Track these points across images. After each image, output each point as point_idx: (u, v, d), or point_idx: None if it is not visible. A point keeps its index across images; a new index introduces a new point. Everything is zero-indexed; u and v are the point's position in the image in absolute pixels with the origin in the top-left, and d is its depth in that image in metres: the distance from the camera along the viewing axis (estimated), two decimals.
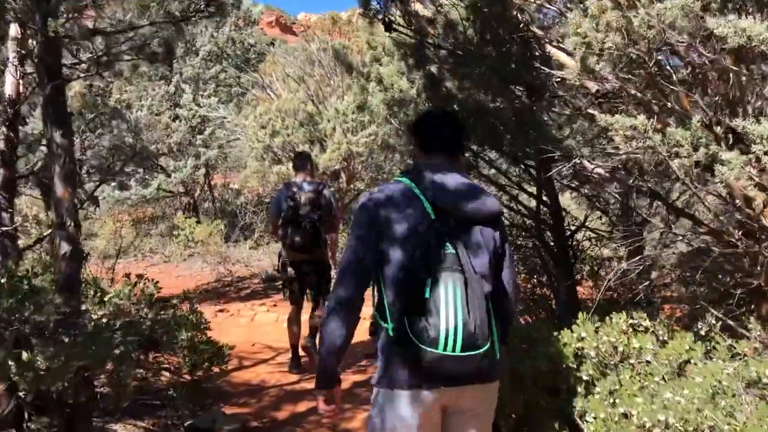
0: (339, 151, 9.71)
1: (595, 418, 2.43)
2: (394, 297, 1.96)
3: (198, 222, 13.50)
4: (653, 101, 2.55)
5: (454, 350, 1.82)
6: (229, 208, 15.38)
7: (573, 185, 5.70)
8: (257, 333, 7.12)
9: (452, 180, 2.06)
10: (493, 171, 5.13)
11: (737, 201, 2.64)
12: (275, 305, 9.45)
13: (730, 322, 2.91)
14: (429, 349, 1.83)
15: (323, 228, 5.12)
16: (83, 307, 3.69)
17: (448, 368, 1.86)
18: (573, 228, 5.10)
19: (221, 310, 8.62)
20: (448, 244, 1.93)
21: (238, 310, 8.63)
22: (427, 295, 1.86)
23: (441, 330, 1.82)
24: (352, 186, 10.90)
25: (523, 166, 4.86)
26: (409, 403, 1.92)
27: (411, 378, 1.91)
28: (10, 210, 4.25)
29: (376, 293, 2.05)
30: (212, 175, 15.86)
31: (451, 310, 1.84)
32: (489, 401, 2.07)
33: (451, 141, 2.18)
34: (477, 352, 1.86)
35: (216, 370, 4.64)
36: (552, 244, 4.94)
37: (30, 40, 3.95)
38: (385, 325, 1.96)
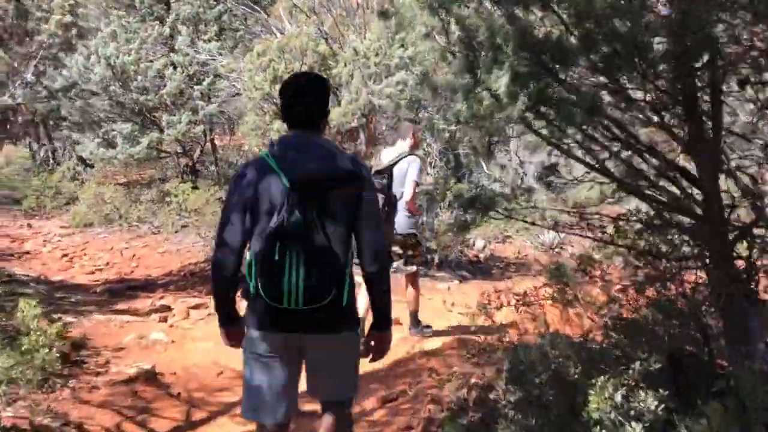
0: (357, 104, 7.60)
1: None
2: (254, 259, 2.23)
3: (194, 187, 11.54)
4: None
5: (295, 305, 2.15)
6: (232, 171, 13.38)
7: None
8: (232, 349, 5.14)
9: (305, 149, 2.27)
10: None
11: None
12: None
13: None
14: (273, 304, 2.17)
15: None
16: None
17: (289, 319, 2.22)
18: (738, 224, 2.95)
19: (197, 306, 6.65)
20: (296, 211, 2.15)
21: None
22: (276, 257, 2.13)
23: (284, 288, 2.14)
24: (372, 150, 8.80)
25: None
26: (262, 341, 2.32)
27: (262, 323, 2.29)
28: None
29: (246, 253, 2.34)
30: (214, 133, 13.84)
31: (293, 271, 2.13)
32: (337, 350, 2.37)
33: (310, 111, 2.31)
34: (315, 306, 2.17)
35: None
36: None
37: None
38: (250, 282, 2.22)
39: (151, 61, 11.76)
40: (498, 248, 11.37)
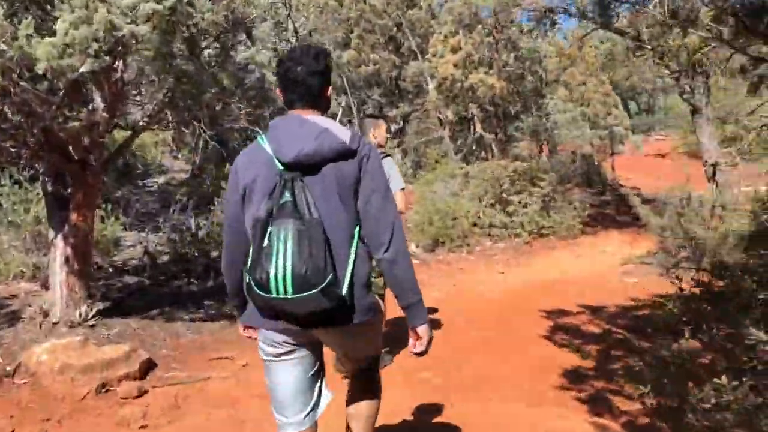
0: (87, 30, 4.20)
1: None
2: (251, 248, 2.06)
3: None
4: None
5: (284, 293, 1.92)
6: None
7: None
8: None
9: (297, 128, 2.11)
10: None
11: None
12: None
13: None
14: (261, 293, 1.96)
15: None
16: None
17: (281, 310, 2.00)
18: None
19: None
20: (286, 193, 2.01)
21: None
22: (265, 243, 1.96)
23: (270, 275, 1.92)
24: (118, 121, 5.42)
25: None
26: (264, 339, 2.19)
27: (260, 319, 2.11)
28: None
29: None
30: None
31: (281, 256, 1.91)
32: (348, 339, 2.19)
33: (304, 87, 2.18)
34: (308, 293, 1.92)
35: None
36: None
37: None
38: (247, 274, 2.04)
39: None
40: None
